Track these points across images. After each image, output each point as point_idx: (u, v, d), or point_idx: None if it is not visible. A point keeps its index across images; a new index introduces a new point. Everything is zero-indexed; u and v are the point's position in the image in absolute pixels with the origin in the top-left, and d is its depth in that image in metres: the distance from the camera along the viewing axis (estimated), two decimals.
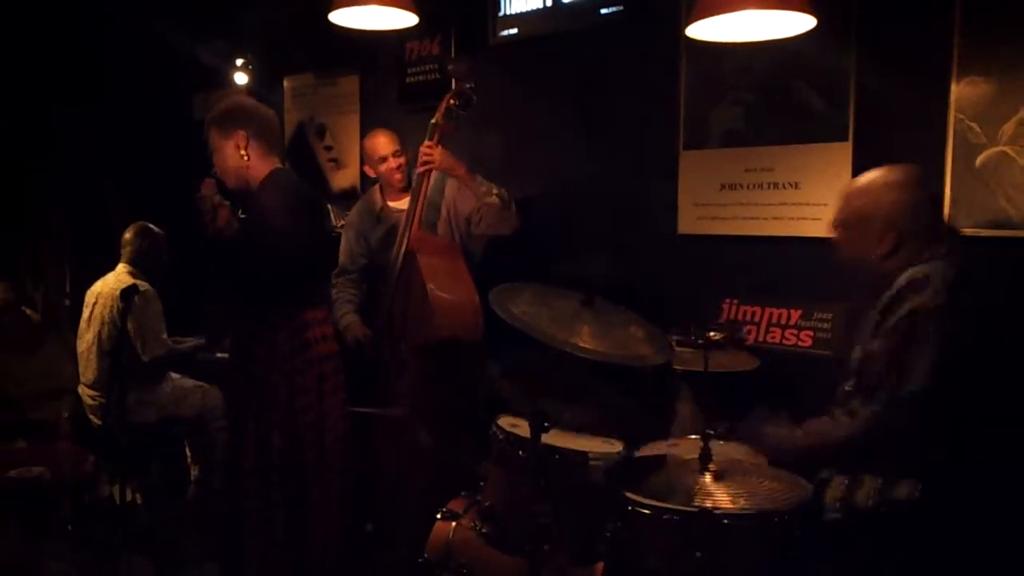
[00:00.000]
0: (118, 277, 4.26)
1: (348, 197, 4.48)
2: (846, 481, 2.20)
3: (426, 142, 3.47)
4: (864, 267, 2.30)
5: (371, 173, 3.87)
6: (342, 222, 4.07)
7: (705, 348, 2.50)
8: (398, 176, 3.74)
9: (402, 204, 3.70)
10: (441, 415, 3.29)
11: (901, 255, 2.22)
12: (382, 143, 3.77)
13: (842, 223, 2.34)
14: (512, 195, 3.55)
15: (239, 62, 5.06)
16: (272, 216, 2.83)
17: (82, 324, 4.32)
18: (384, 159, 3.75)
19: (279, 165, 3.02)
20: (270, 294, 2.94)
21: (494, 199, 3.48)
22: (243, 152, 2.93)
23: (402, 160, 3.75)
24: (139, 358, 4.11)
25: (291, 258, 2.83)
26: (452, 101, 3.51)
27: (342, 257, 3.89)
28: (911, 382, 2.08)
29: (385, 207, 3.80)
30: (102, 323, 4.18)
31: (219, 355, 4.37)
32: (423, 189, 3.50)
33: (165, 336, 4.21)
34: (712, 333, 2.56)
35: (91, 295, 4.31)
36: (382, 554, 3.43)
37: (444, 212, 3.66)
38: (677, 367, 2.92)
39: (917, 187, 2.26)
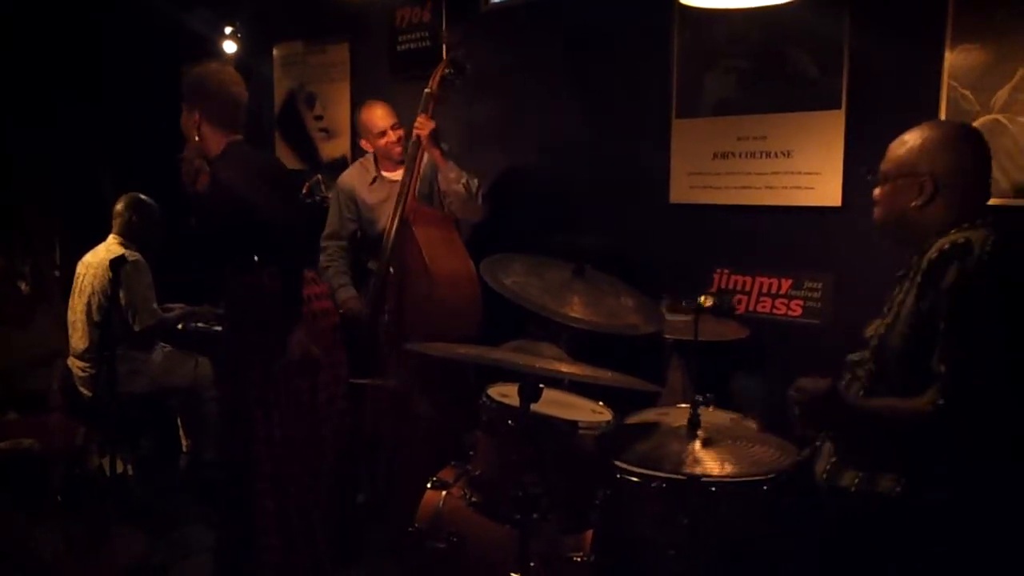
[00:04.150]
0: (108, 248, 4.24)
1: (339, 167, 4.43)
2: (833, 456, 2.12)
3: (420, 115, 3.45)
4: (901, 232, 2.13)
5: (369, 148, 3.80)
6: (331, 193, 4.04)
7: (696, 313, 2.50)
8: (398, 149, 3.69)
9: (396, 175, 3.67)
10: (440, 386, 3.29)
11: (937, 207, 2.04)
12: (379, 116, 3.71)
13: (883, 176, 2.14)
14: (480, 187, 3.53)
15: (228, 31, 4.99)
16: (231, 192, 2.86)
17: (72, 296, 4.30)
18: (383, 133, 3.70)
19: (236, 139, 2.98)
20: (253, 259, 2.95)
21: (460, 188, 3.47)
22: (195, 131, 2.95)
23: (400, 132, 3.69)
24: (129, 328, 4.10)
25: (255, 227, 2.85)
26: (447, 70, 3.49)
27: (331, 222, 3.85)
28: (977, 362, 1.86)
29: (380, 176, 3.78)
30: (92, 293, 4.16)
31: (200, 324, 4.35)
32: (418, 161, 3.48)
33: (155, 306, 4.19)
34: (703, 298, 2.55)
35: (81, 266, 4.29)
36: (373, 524, 3.45)
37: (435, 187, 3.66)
38: (668, 336, 2.92)
39: (965, 142, 2.09)
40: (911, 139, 2.11)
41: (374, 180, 3.77)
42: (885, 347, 2.04)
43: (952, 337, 1.88)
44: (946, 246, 1.94)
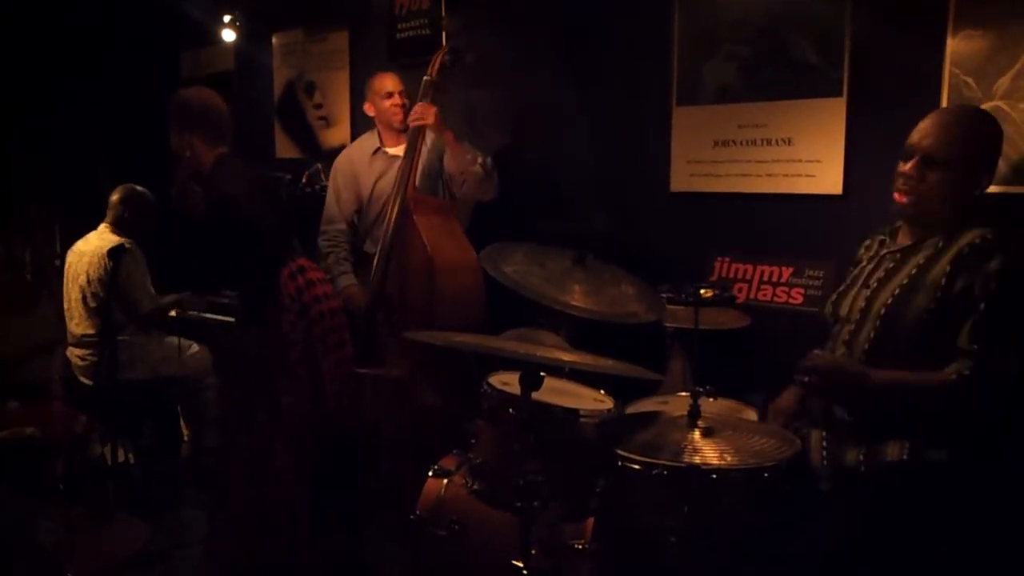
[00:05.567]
0: (101, 236, 4.24)
1: (338, 156, 4.43)
2: (825, 440, 2.16)
3: (420, 101, 3.45)
4: (925, 213, 2.11)
5: (371, 111, 3.82)
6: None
7: (696, 305, 2.49)
8: (400, 116, 3.70)
9: (398, 150, 3.67)
10: (442, 374, 3.29)
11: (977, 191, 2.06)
12: (390, 80, 3.76)
13: (940, 162, 2.05)
14: (494, 165, 3.53)
15: (227, 19, 4.97)
16: (235, 208, 3.04)
17: (65, 284, 4.30)
18: (390, 94, 3.73)
19: (223, 151, 3.19)
20: (268, 262, 3.08)
21: (478, 168, 3.47)
22: (188, 150, 3.18)
23: (406, 101, 3.72)
24: (131, 315, 4.11)
25: (263, 235, 3.05)
26: (446, 57, 3.48)
27: (329, 205, 3.85)
28: (1010, 351, 1.94)
29: (382, 148, 3.78)
30: (86, 281, 4.16)
31: (195, 313, 4.36)
32: (418, 149, 3.48)
33: (153, 292, 4.20)
34: (703, 290, 2.55)
35: (71, 254, 4.29)
36: (375, 512, 3.45)
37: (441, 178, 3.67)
38: (669, 324, 2.92)
39: (999, 130, 2.10)
40: (963, 124, 2.09)
41: (376, 151, 3.77)
42: (897, 316, 2.07)
43: (992, 319, 1.94)
44: (989, 235, 2.00)
